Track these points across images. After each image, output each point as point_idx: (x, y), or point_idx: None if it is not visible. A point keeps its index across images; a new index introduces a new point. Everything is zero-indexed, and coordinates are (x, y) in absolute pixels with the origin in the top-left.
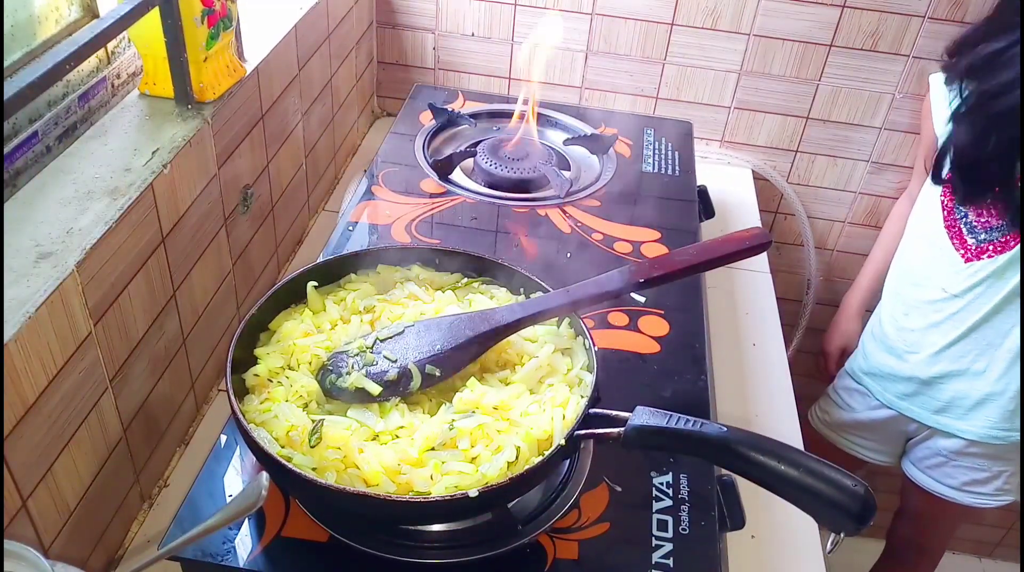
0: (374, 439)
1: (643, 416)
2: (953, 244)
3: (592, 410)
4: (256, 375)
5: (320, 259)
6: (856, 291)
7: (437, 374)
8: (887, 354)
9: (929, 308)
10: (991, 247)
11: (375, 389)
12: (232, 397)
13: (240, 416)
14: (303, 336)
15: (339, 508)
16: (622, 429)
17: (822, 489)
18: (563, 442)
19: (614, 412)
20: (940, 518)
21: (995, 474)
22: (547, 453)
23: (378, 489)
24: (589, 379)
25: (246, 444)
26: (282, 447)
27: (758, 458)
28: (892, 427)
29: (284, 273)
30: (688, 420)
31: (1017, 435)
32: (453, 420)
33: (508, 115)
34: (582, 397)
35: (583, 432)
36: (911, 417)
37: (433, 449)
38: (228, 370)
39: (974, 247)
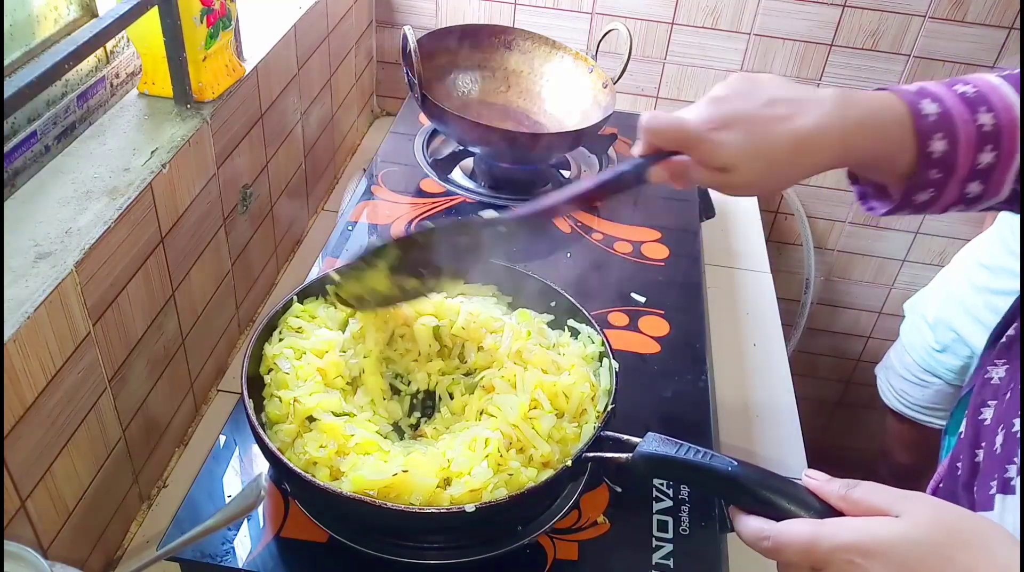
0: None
1: (653, 443)
2: None
3: (604, 433)
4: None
5: (342, 262)
6: None
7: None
8: None
9: None
10: None
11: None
12: (247, 397)
13: (251, 413)
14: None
15: (337, 512)
16: (630, 455)
17: None
18: (569, 463)
19: (624, 436)
20: None
21: None
22: (552, 473)
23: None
24: (606, 400)
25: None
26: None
27: (767, 496)
28: None
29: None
30: (698, 451)
31: None
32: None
33: None
34: (596, 418)
35: (591, 454)
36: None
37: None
38: (244, 368)
39: None
